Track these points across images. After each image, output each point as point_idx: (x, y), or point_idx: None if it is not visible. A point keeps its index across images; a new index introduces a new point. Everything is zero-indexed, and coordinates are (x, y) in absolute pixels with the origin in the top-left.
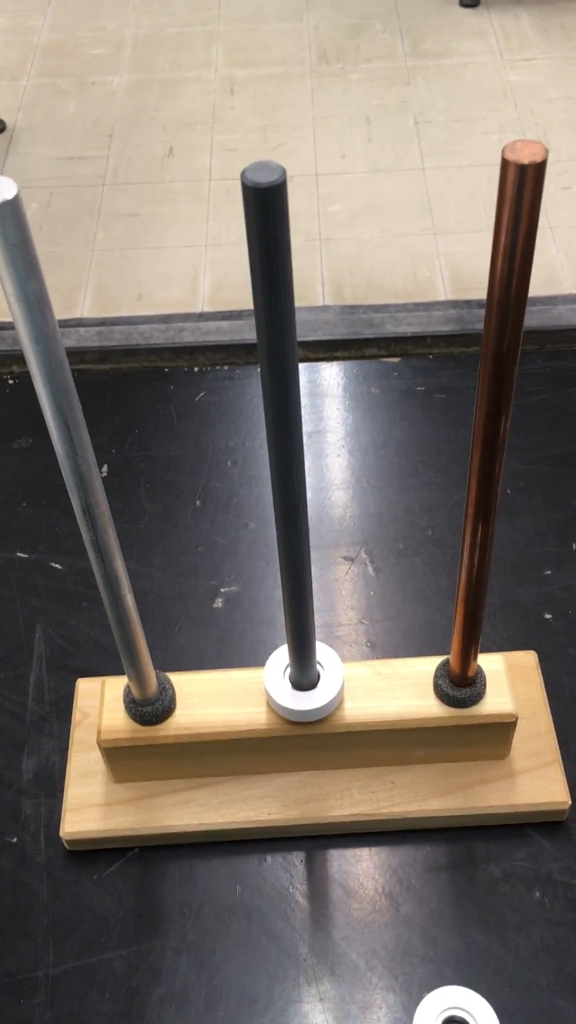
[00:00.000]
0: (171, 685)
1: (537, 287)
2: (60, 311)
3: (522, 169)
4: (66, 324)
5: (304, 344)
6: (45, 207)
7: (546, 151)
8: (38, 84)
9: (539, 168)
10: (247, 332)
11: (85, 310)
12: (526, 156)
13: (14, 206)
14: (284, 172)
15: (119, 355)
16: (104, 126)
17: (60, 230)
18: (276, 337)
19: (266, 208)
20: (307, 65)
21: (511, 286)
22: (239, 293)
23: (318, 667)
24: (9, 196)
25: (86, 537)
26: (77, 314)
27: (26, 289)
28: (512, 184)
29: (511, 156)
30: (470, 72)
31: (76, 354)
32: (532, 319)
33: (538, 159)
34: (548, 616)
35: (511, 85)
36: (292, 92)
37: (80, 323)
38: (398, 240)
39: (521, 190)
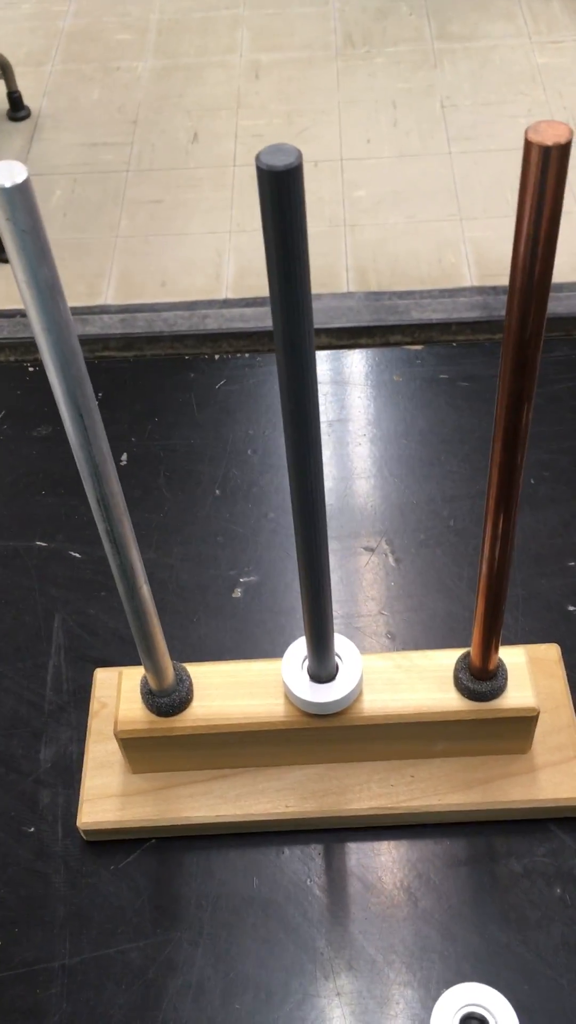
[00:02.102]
0: (188, 676)
1: (562, 273)
2: (84, 298)
3: (546, 151)
4: (90, 311)
5: (328, 331)
6: (69, 193)
7: (571, 132)
8: (63, 70)
9: (563, 150)
10: (271, 319)
11: (109, 297)
12: (550, 137)
13: (24, 190)
14: (300, 155)
15: (142, 342)
16: (128, 112)
17: (84, 217)
18: (292, 325)
19: (281, 192)
20: (332, 49)
21: (534, 272)
22: (263, 280)
23: (337, 659)
24: (19, 180)
25: (101, 528)
26: (101, 301)
27: (37, 276)
28: (536, 166)
29: (534, 137)
30: (498, 55)
31: (99, 341)
32: (558, 305)
33: (563, 140)
34: (572, 608)
35: (539, 68)
36: (317, 76)
37: (104, 310)
38: (423, 226)
39: (545, 173)
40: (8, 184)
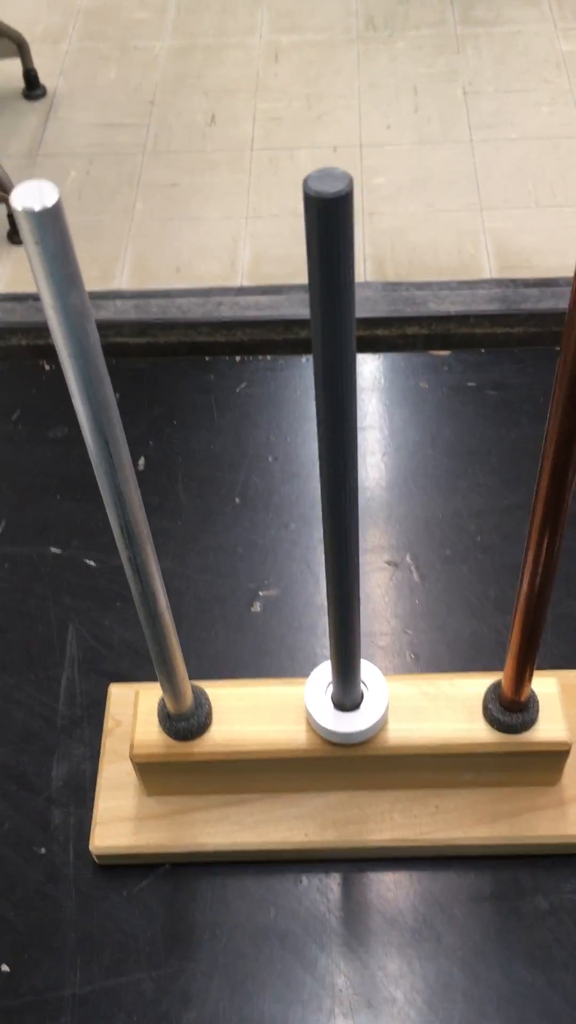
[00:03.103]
0: (207, 699)
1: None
2: (98, 282)
3: None
4: (104, 296)
5: None
6: (84, 175)
7: None
8: (80, 48)
9: None
10: (286, 308)
11: (123, 281)
12: None
13: (55, 214)
14: (351, 181)
15: (156, 329)
16: (145, 92)
17: (99, 199)
18: (334, 355)
19: (330, 220)
20: (354, 32)
21: None
22: (279, 267)
23: (362, 686)
24: (49, 203)
25: (123, 555)
26: (114, 286)
27: (66, 302)
28: None
29: None
30: (522, 41)
31: (113, 327)
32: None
33: None
34: None
35: (564, 55)
36: (338, 60)
37: (118, 295)
38: (443, 215)
39: None
40: (38, 207)
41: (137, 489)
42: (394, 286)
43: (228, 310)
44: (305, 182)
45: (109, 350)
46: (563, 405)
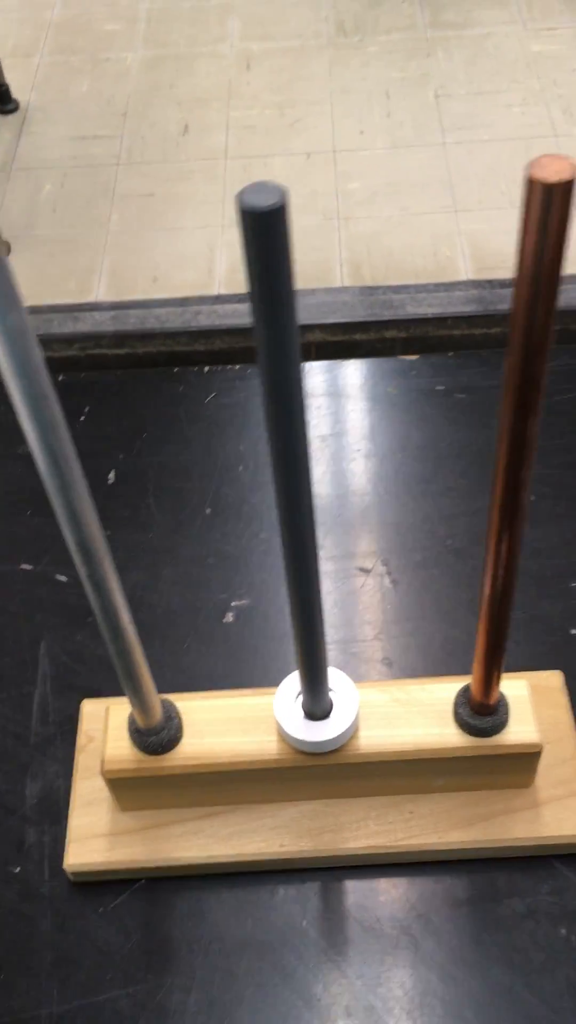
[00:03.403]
0: (177, 713)
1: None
2: (74, 294)
3: (548, 189)
4: (80, 308)
5: (322, 327)
6: (59, 188)
7: (574, 167)
8: (51, 62)
9: (567, 188)
10: None
11: (100, 293)
12: (553, 174)
13: None
14: (284, 194)
15: (135, 339)
16: (118, 104)
17: (74, 212)
18: (279, 367)
19: (265, 234)
20: (325, 38)
21: (536, 314)
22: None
23: (331, 694)
24: None
25: (82, 572)
26: (92, 298)
27: (6, 323)
28: (538, 205)
29: (537, 174)
30: (492, 43)
31: (91, 339)
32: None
33: (566, 177)
34: (574, 632)
35: (534, 56)
36: (310, 66)
37: (95, 307)
38: (418, 218)
39: (548, 212)
40: None
41: (91, 505)
42: (371, 290)
43: (207, 318)
44: (238, 197)
45: (88, 363)
46: (511, 406)
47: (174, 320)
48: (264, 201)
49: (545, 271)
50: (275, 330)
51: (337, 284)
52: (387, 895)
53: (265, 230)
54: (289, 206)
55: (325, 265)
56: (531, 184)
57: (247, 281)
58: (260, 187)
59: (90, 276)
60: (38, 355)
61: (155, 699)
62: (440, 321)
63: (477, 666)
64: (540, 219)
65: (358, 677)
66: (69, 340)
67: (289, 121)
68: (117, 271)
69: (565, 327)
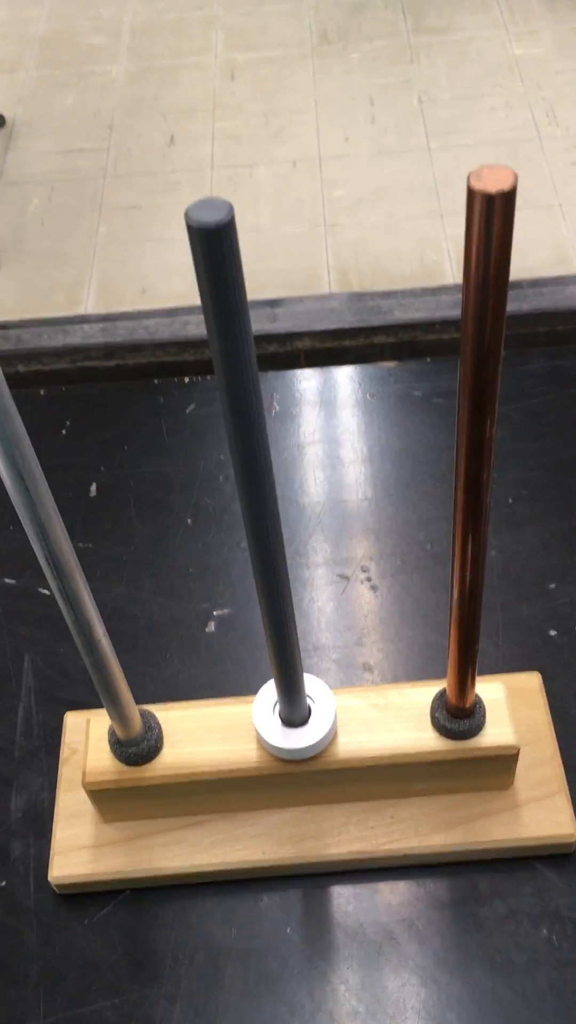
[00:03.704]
0: (157, 723)
1: (547, 267)
2: (63, 307)
3: (489, 199)
4: (70, 321)
5: (311, 334)
6: (47, 202)
7: (515, 177)
8: (37, 76)
9: (508, 197)
10: (253, 323)
11: (89, 306)
12: (493, 184)
13: None
14: (231, 209)
15: (124, 351)
16: (104, 117)
17: (62, 225)
18: (235, 379)
19: (214, 249)
20: (308, 46)
21: (485, 322)
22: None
23: (309, 701)
24: None
25: (53, 585)
26: (81, 310)
27: None
28: (480, 215)
29: (477, 185)
30: (475, 47)
31: (81, 351)
32: (542, 300)
33: (506, 187)
34: (553, 633)
35: (517, 59)
36: (293, 75)
37: (84, 319)
38: (404, 224)
39: (490, 221)
40: None
41: (58, 518)
42: (359, 296)
43: (196, 328)
44: (186, 214)
45: (78, 375)
46: (468, 412)
47: (163, 331)
48: (211, 217)
49: (492, 278)
50: (230, 343)
51: (325, 291)
52: (370, 900)
53: (214, 246)
54: (235, 221)
55: (313, 272)
56: (472, 195)
57: (200, 294)
58: (207, 204)
59: (79, 289)
60: None
61: (133, 710)
62: (428, 326)
63: (451, 669)
64: (483, 228)
65: (338, 683)
66: (59, 353)
67: (274, 130)
68: (106, 283)
69: (552, 328)
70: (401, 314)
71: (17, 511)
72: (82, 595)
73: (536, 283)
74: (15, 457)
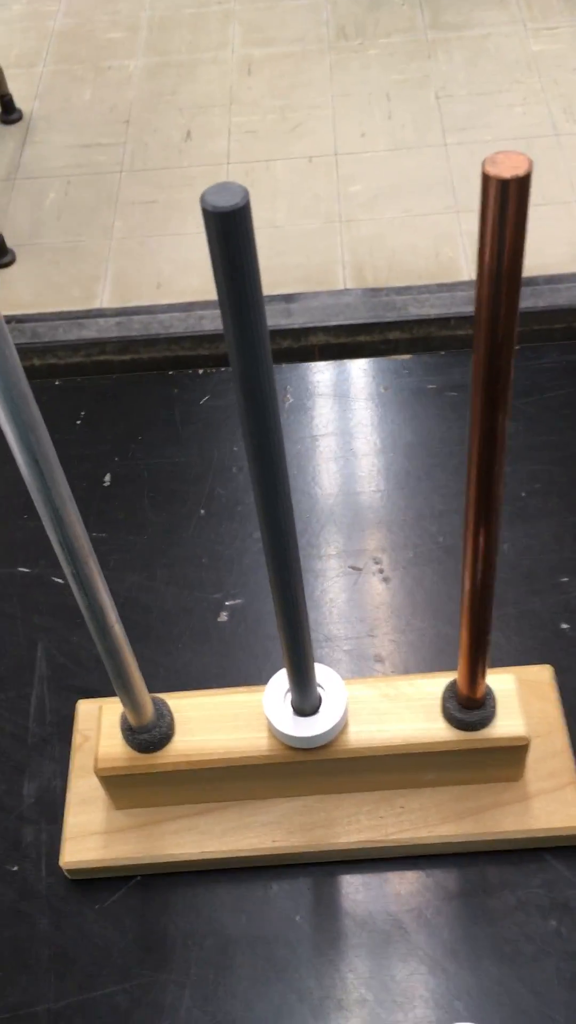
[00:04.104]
0: (169, 711)
1: (564, 264)
2: (79, 301)
3: (504, 184)
4: (86, 315)
5: (326, 329)
6: (63, 196)
7: (530, 163)
8: (54, 71)
9: (522, 182)
10: (268, 318)
11: (104, 300)
12: (508, 170)
13: None
14: (246, 194)
15: (139, 345)
16: (121, 112)
17: (78, 220)
18: (249, 364)
19: (229, 233)
20: (325, 42)
21: (499, 309)
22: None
23: (320, 690)
24: None
25: (67, 571)
26: (96, 304)
27: None
28: (495, 201)
29: (492, 170)
30: (492, 43)
31: (96, 345)
32: (559, 297)
33: (521, 172)
34: (565, 626)
35: (535, 55)
36: (310, 70)
37: (100, 314)
38: (420, 220)
39: (504, 207)
40: None
41: (73, 504)
42: (374, 292)
43: (211, 323)
44: (202, 198)
45: (93, 368)
46: (480, 402)
47: (178, 325)
48: (227, 201)
49: (506, 265)
50: (244, 326)
51: (340, 287)
52: (379, 889)
53: (229, 229)
54: (250, 206)
55: (328, 268)
56: (487, 180)
57: (215, 279)
58: (223, 188)
59: (95, 283)
60: (14, 355)
61: (146, 697)
62: (443, 322)
63: (462, 659)
64: (497, 215)
65: (350, 674)
66: (75, 347)
67: (291, 125)
68: (121, 278)
69: (568, 325)
70: (416, 310)
71: (32, 496)
72: (96, 580)
73: (552, 279)
74: (31, 442)
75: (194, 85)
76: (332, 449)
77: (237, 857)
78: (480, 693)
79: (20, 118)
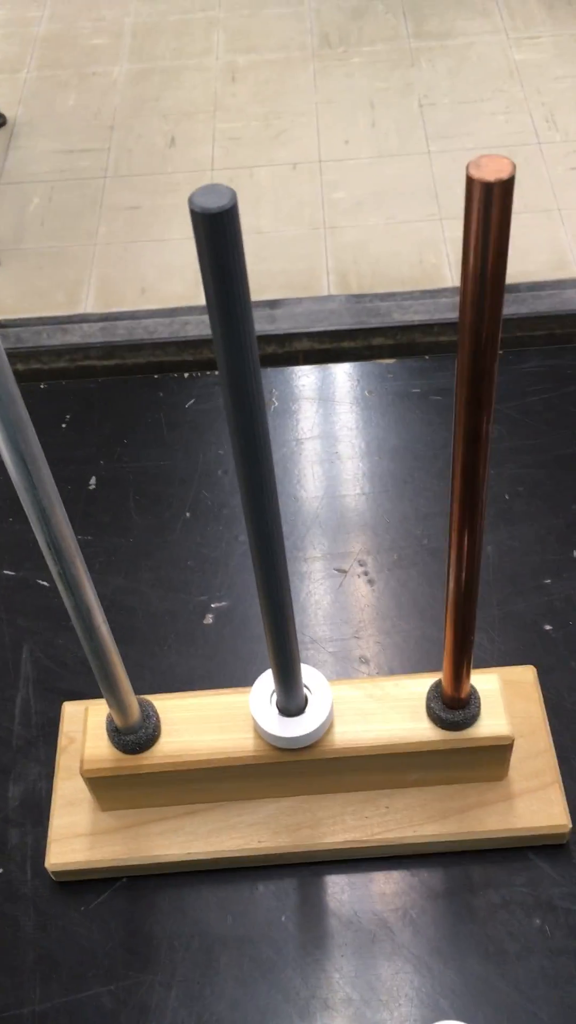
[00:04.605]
0: (155, 712)
1: (546, 271)
2: (64, 307)
3: (488, 187)
4: (70, 320)
5: (310, 335)
6: (47, 202)
7: (513, 166)
8: (38, 76)
9: (506, 186)
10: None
11: (88, 305)
12: (492, 173)
13: None
14: (234, 195)
15: (123, 350)
16: (105, 117)
17: (62, 225)
18: (237, 365)
19: (216, 234)
20: (309, 49)
21: (483, 311)
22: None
23: (305, 691)
24: None
25: (53, 571)
26: (80, 309)
27: None
28: (478, 204)
29: (476, 174)
30: (475, 52)
31: (80, 350)
32: (541, 304)
33: (504, 176)
34: (548, 627)
35: (517, 64)
36: (294, 78)
37: (84, 319)
38: (404, 227)
39: (488, 210)
40: None
41: (60, 503)
42: (358, 298)
43: (195, 328)
44: (190, 199)
45: (77, 374)
46: (464, 403)
47: (162, 330)
48: (215, 203)
49: (490, 268)
50: (232, 325)
51: (324, 293)
52: (364, 889)
53: (217, 230)
54: (237, 207)
55: (312, 274)
56: (471, 183)
57: (203, 281)
58: (211, 189)
59: (79, 288)
60: (1, 355)
61: (131, 698)
62: (427, 328)
63: (447, 660)
64: (482, 217)
65: (335, 675)
66: (58, 352)
67: (275, 132)
68: (106, 283)
69: (550, 331)
70: (400, 316)
71: (19, 496)
72: (82, 581)
73: (534, 287)
74: (18, 442)
75: (178, 91)
76: (317, 452)
77: (223, 858)
78: (465, 693)
79: (4, 123)
